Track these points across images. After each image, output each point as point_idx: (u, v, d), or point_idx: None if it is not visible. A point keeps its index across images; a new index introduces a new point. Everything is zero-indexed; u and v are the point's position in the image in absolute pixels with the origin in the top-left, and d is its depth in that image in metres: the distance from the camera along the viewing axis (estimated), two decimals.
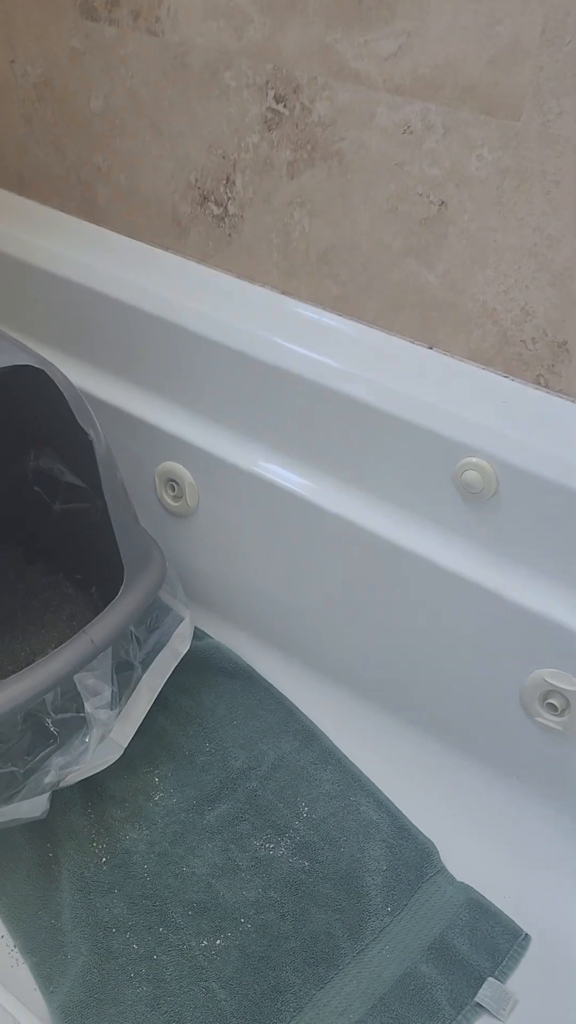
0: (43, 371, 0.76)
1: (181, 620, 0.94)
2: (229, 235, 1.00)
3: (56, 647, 0.92)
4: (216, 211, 0.99)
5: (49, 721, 0.80)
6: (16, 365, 0.76)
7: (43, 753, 0.79)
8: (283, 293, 0.97)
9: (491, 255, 0.82)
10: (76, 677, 0.81)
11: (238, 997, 0.72)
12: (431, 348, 0.88)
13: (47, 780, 0.79)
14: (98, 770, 0.82)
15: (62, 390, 0.76)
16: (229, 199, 0.97)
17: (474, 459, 0.79)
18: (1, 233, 1.06)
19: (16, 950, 0.75)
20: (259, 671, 1.00)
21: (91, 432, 0.79)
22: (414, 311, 0.89)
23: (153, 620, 0.92)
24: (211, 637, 1.03)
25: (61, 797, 0.84)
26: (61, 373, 0.78)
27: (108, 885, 0.79)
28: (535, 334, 0.82)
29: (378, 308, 0.91)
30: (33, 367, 0.76)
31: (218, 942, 0.76)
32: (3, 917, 0.76)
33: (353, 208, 0.88)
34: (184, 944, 0.75)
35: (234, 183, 0.96)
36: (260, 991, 0.72)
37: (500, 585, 0.79)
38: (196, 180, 0.99)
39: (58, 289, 1.01)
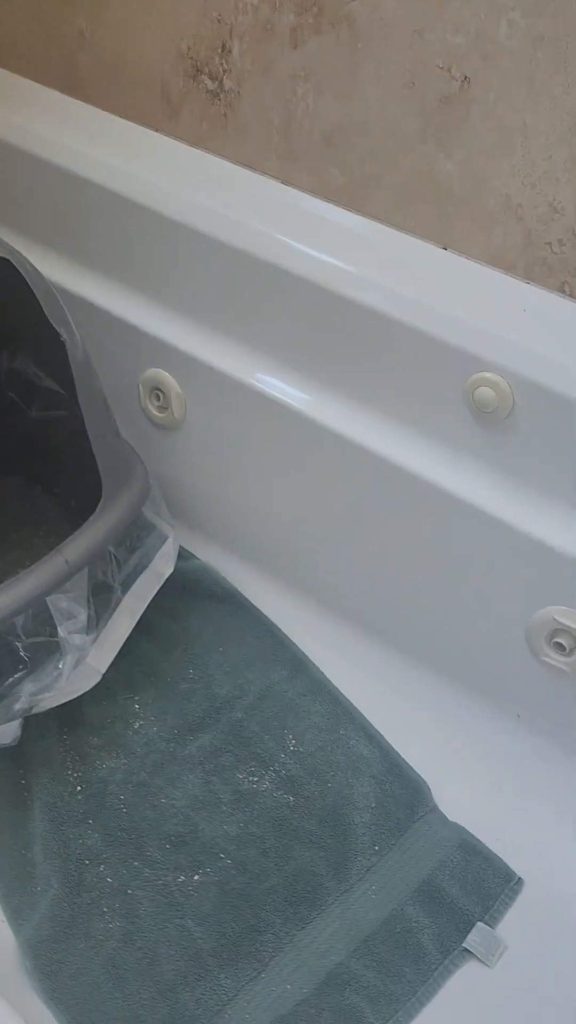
0: (8, 260, 0.68)
1: (165, 539, 0.88)
2: (224, 114, 0.89)
3: (31, 564, 0.87)
4: (210, 86, 0.89)
5: (19, 645, 0.75)
6: None
7: (12, 679, 0.74)
8: (284, 182, 0.88)
9: (518, 141, 0.73)
10: (49, 599, 0.75)
11: (215, 935, 0.69)
12: (445, 248, 0.79)
13: (17, 707, 0.74)
14: (73, 696, 0.77)
15: (30, 283, 0.68)
16: (225, 72, 0.87)
17: (488, 374, 0.71)
18: None
19: None
20: (248, 596, 0.95)
21: (63, 332, 0.72)
22: (428, 205, 0.80)
23: (134, 539, 0.86)
24: (198, 558, 0.97)
25: (35, 722, 0.80)
26: (30, 264, 0.70)
27: (82, 815, 0.75)
28: (563, 235, 0.73)
29: (388, 201, 0.82)
30: None
31: (196, 878, 0.73)
32: None
33: (364, 83, 0.78)
34: (160, 879, 0.72)
35: (230, 52, 0.85)
36: (238, 930, 0.69)
37: (511, 514, 0.72)
38: (188, 49, 0.88)
39: (34, 171, 0.91)
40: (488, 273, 0.76)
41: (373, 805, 0.78)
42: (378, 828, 0.77)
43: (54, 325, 0.70)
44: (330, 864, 0.74)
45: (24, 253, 0.75)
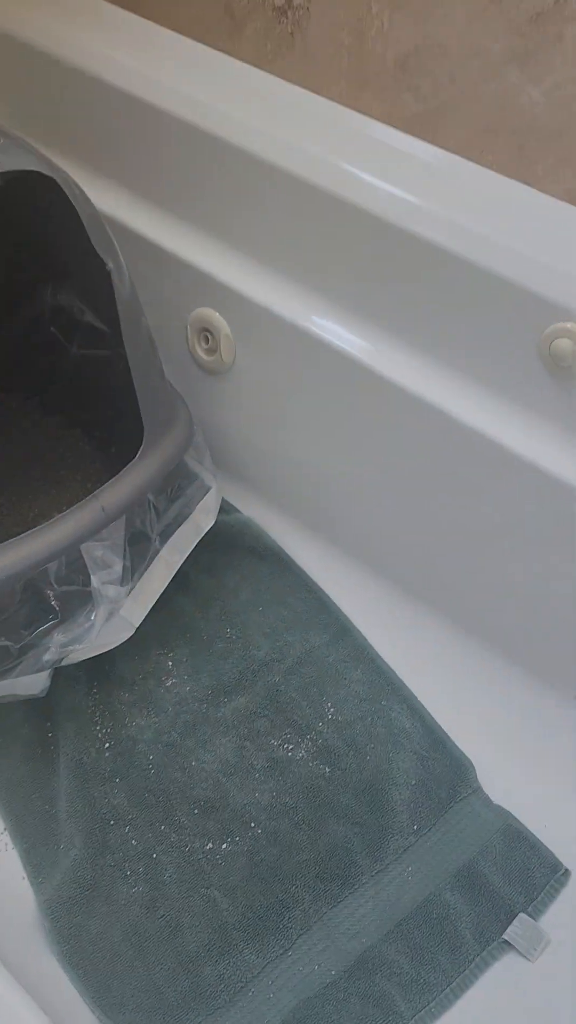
0: (54, 180, 0.63)
1: (207, 491, 0.83)
2: (291, 33, 0.82)
3: (66, 508, 0.83)
4: (278, 2, 0.82)
5: (51, 593, 0.71)
6: (22, 171, 0.63)
7: (42, 628, 0.71)
8: (352, 108, 0.81)
9: None
10: (83, 547, 0.72)
11: (241, 908, 0.66)
12: (527, 184, 0.72)
13: (46, 657, 0.70)
14: (105, 649, 0.74)
15: (75, 206, 0.63)
16: None
17: (569, 324, 0.65)
18: (26, 19, 0.89)
19: (6, 833, 0.69)
20: (291, 554, 0.90)
21: (110, 262, 0.66)
22: (510, 137, 0.73)
23: (175, 488, 0.81)
24: (240, 512, 0.93)
25: (64, 674, 0.77)
26: (76, 184, 0.64)
27: (109, 773, 0.72)
28: None
29: (466, 131, 0.75)
30: (42, 174, 0.62)
31: (224, 846, 0.69)
32: None
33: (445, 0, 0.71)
34: (187, 845, 0.69)
35: None
36: (266, 904, 0.66)
37: None
38: None
39: (85, 89, 0.85)
40: (573, 213, 0.69)
41: (413, 782, 0.74)
42: (417, 807, 0.72)
43: (99, 253, 0.65)
44: (365, 841, 0.70)
45: (76, 180, 0.70)
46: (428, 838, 0.71)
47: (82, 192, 0.65)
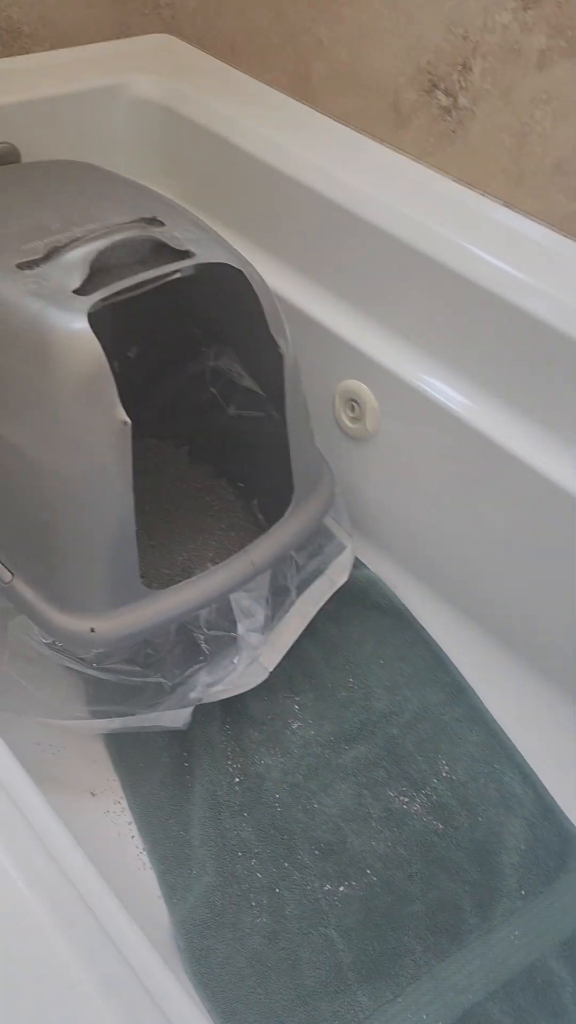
0: (241, 272, 0.70)
1: (343, 549, 0.89)
2: (454, 131, 0.88)
3: (213, 556, 0.90)
4: (444, 102, 0.88)
5: (201, 637, 0.78)
6: (215, 263, 0.70)
7: (192, 668, 0.77)
8: (506, 204, 0.86)
9: None
10: (232, 596, 0.78)
11: (356, 951, 0.70)
12: None
13: (192, 695, 0.77)
14: (242, 691, 0.80)
15: (258, 295, 0.70)
16: (461, 89, 0.86)
17: None
18: (207, 106, 0.98)
19: (144, 853, 0.76)
20: (413, 612, 0.95)
21: (282, 343, 0.73)
22: None
23: (315, 546, 0.88)
24: (368, 568, 0.98)
25: (201, 709, 0.83)
26: (259, 277, 0.71)
27: (239, 806, 0.78)
28: None
29: None
30: (232, 266, 0.70)
31: (341, 889, 0.74)
32: (136, 818, 0.77)
33: None
34: (307, 883, 0.74)
35: (471, 70, 0.84)
36: (379, 949, 0.70)
37: None
38: (427, 63, 0.87)
39: (257, 173, 0.93)
40: None
41: (523, 848, 0.77)
42: (526, 872, 0.76)
43: (274, 337, 0.72)
44: (474, 900, 0.74)
45: (246, 254, 0.77)
46: (535, 904, 0.74)
47: (264, 284, 0.72)
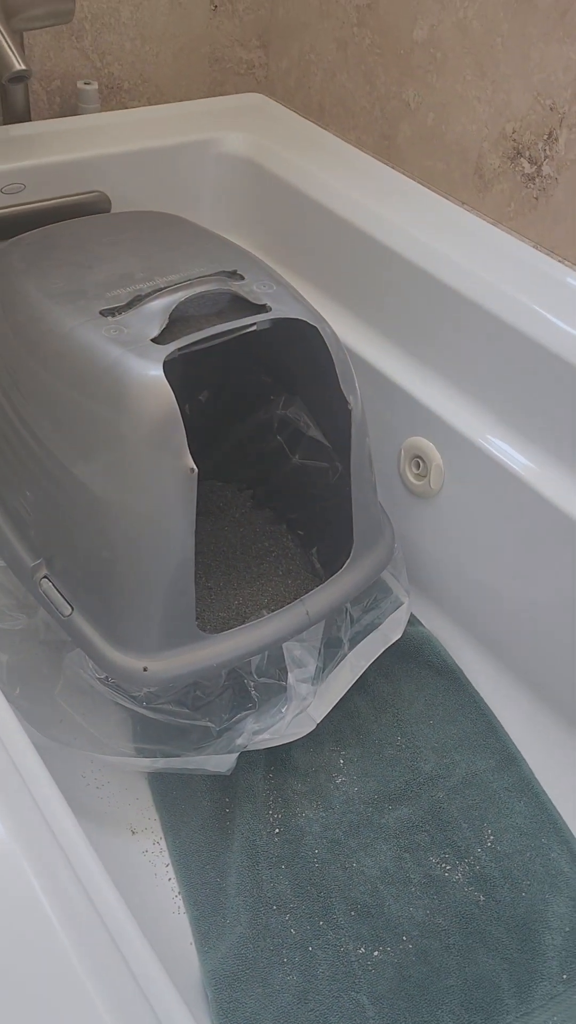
0: (316, 328, 0.71)
1: (399, 605, 0.89)
2: (536, 198, 0.89)
3: (268, 602, 0.91)
4: (528, 169, 0.89)
5: (251, 684, 0.78)
6: (291, 318, 0.72)
7: (240, 714, 0.78)
8: None
9: None
10: (284, 645, 0.79)
11: (387, 1020, 0.68)
12: None
13: (239, 741, 0.77)
14: (288, 740, 0.80)
15: (331, 352, 0.71)
16: (546, 158, 0.87)
17: None
18: (292, 163, 1.01)
19: (180, 897, 0.75)
20: (467, 673, 0.93)
21: (351, 399, 0.74)
22: None
23: (370, 600, 0.87)
24: (423, 626, 0.97)
25: (246, 756, 0.83)
26: (333, 332, 0.73)
27: (277, 858, 0.78)
28: None
29: None
30: (308, 323, 0.71)
31: (376, 953, 0.72)
32: (173, 860, 0.77)
33: None
34: (341, 945, 0.73)
35: (556, 140, 0.85)
36: (410, 1021, 0.68)
37: None
38: (513, 131, 0.89)
39: (338, 231, 0.95)
40: None
41: (567, 929, 0.74)
42: (569, 955, 0.73)
43: (344, 392, 0.73)
44: (513, 980, 0.71)
45: (322, 308, 0.78)
46: None
47: (337, 340, 0.73)
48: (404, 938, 0.73)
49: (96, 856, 0.52)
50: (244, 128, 1.07)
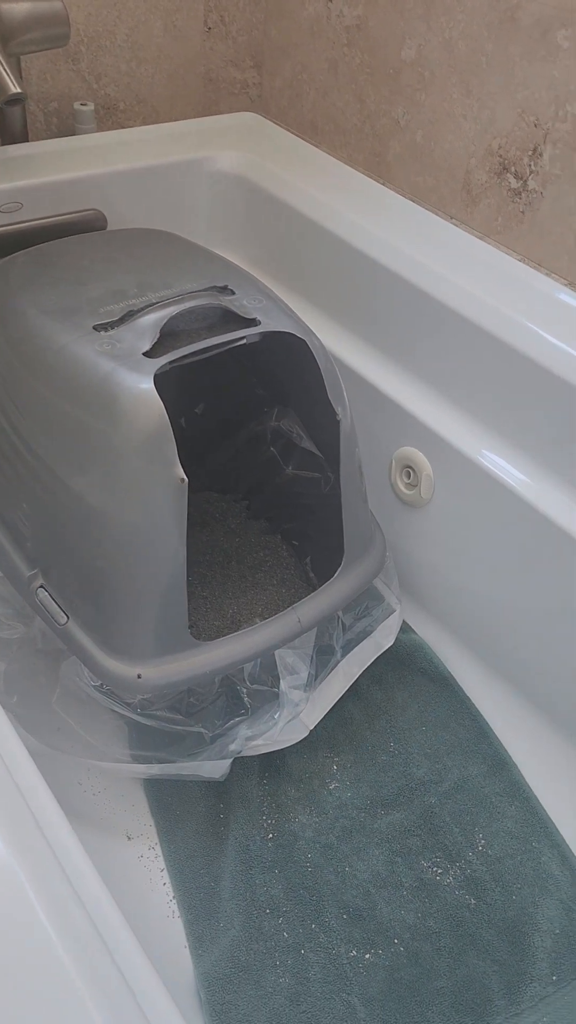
0: (304, 341, 0.73)
1: (391, 613, 0.90)
2: (522, 212, 0.91)
3: (262, 611, 0.92)
4: (514, 184, 0.91)
5: (244, 691, 0.80)
6: (280, 331, 0.74)
7: (233, 721, 0.79)
8: (569, 284, 0.88)
9: None
10: (277, 652, 0.80)
11: (378, 1022, 0.69)
12: None
13: (232, 747, 0.79)
14: (281, 746, 0.81)
15: (319, 365, 0.73)
16: (531, 172, 0.89)
17: None
18: (285, 180, 1.03)
19: (174, 902, 0.76)
20: (459, 680, 0.95)
21: (339, 411, 0.76)
22: None
23: (362, 608, 0.89)
24: (416, 633, 0.98)
25: (240, 762, 0.84)
26: (321, 345, 0.74)
27: (270, 863, 0.79)
28: None
29: None
30: (296, 336, 0.73)
31: (367, 956, 0.73)
32: (168, 865, 0.78)
33: None
34: (333, 948, 0.74)
35: (541, 155, 0.87)
36: (401, 1023, 0.69)
37: None
38: (499, 147, 0.91)
39: (330, 247, 0.97)
40: None
41: (557, 931, 0.75)
42: (559, 957, 0.74)
43: (332, 404, 0.75)
44: (503, 981, 0.72)
45: (311, 321, 0.80)
46: (567, 992, 0.72)
47: (326, 353, 0.75)
48: (395, 941, 0.74)
49: (91, 862, 0.53)
50: (237, 146, 1.10)
